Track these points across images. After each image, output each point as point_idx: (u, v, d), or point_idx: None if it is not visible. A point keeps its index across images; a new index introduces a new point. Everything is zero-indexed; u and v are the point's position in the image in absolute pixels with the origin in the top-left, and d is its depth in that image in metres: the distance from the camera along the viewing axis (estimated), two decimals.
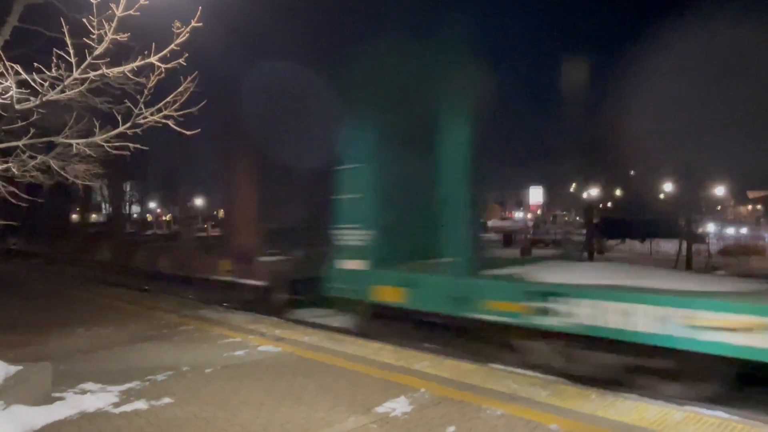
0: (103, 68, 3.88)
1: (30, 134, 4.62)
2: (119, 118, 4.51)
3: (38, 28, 6.37)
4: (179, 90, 4.23)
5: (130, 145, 4.57)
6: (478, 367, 6.50)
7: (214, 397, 5.49)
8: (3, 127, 5.24)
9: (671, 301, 5.45)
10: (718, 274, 16.28)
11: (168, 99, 4.28)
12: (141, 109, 4.30)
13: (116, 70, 3.96)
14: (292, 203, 13.28)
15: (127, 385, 5.81)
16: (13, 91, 3.98)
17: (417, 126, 8.32)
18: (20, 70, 3.91)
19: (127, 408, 5.18)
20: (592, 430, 4.54)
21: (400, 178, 8.68)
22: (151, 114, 4.33)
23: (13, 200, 5.04)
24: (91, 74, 3.92)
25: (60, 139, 4.78)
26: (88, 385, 5.78)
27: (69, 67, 3.79)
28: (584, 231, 29.20)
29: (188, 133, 4.50)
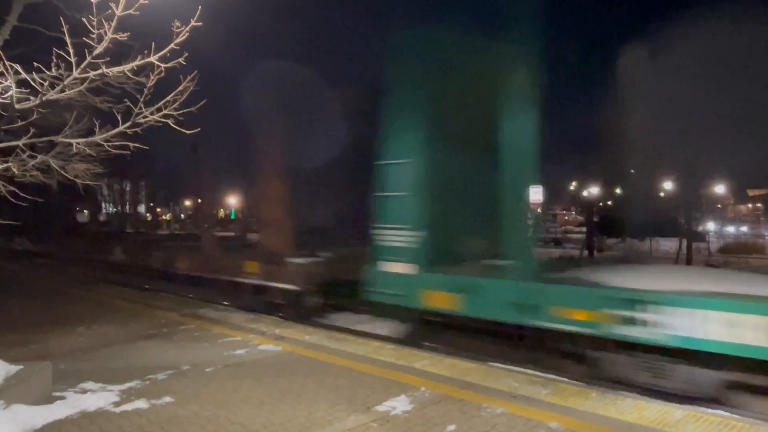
0: (103, 68, 3.88)
1: (30, 134, 4.62)
2: (119, 118, 4.52)
3: (38, 27, 6.36)
4: (179, 89, 4.23)
5: (131, 144, 4.58)
6: (479, 365, 6.52)
7: (214, 395, 5.50)
8: (3, 127, 5.24)
9: None
10: None
11: (168, 98, 4.29)
12: (141, 108, 4.30)
13: (116, 69, 3.96)
14: (324, 201, 12.27)
15: (127, 384, 5.82)
16: (13, 91, 3.99)
17: (471, 119, 7.82)
18: (20, 69, 3.91)
19: (128, 407, 5.18)
20: (593, 428, 4.55)
21: (452, 174, 8.10)
22: (151, 113, 4.33)
23: (13, 200, 5.04)
24: (91, 73, 3.93)
25: (60, 139, 4.78)
26: (89, 384, 5.78)
27: (69, 67, 3.79)
28: (584, 229, 29.20)
29: (188, 132, 4.50)
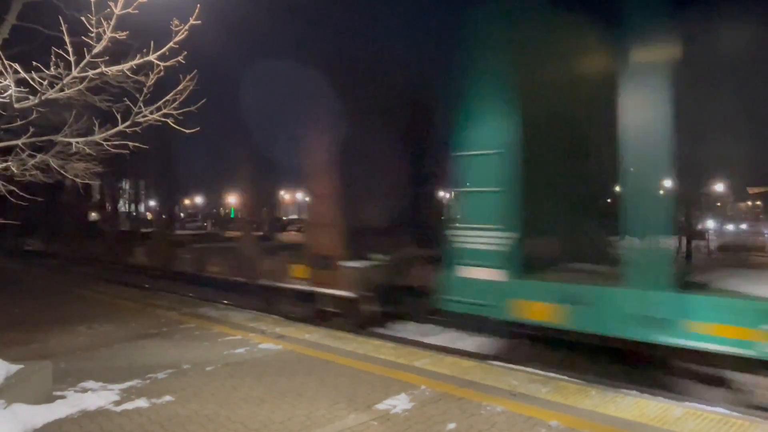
0: (102, 66, 3.88)
1: (29, 133, 4.63)
2: (118, 117, 4.52)
3: (37, 26, 6.35)
4: (178, 88, 4.23)
5: (130, 143, 4.58)
6: (478, 363, 6.51)
7: (215, 394, 5.50)
8: (2, 126, 5.23)
9: None
10: None
11: (168, 97, 4.28)
12: (140, 107, 4.30)
13: (115, 68, 3.96)
14: (381, 198, 10.93)
15: (128, 383, 5.82)
16: (12, 90, 3.98)
17: (577, 102, 6.85)
18: (19, 68, 3.91)
19: (129, 406, 5.18)
20: (593, 426, 4.55)
21: (552, 167, 7.13)
22: (151, 112, 4.33)
23: (13, 199, 5.04)
24: (90, 73, 3.93)
25: (59, 138, 4.78)
26: (89, 384, 5.78)
27: (68, 66, 3.79)
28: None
29: (187, 131, 4.50)
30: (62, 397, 5.37)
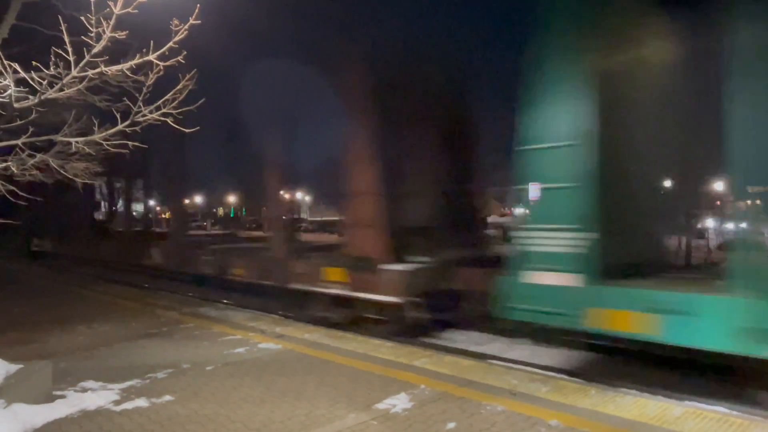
0: (102, 66, 3.88)
1: (29, 133, 4.63)
2: (118, 116, 4.52)
3: (36, 26, 6.36)
4: (178, 88, 4.23)
5: (130, 143, 4.58)
6: (478, 363, 6.51)
7: (214, 394, 5.50)
8: (2, 126, 5.23)
9: None
10: None
11: (167, 96, 4.28)
12: (140, 106, 4.30)
13: (115, 68, 3.96)
14: (422, 197, 10.20)
15: (128, 383, 5.82)
16: (12, 90, 3.98)
17: (666, 88, 6.25)
18: (18, 68, 3.91)
19: (128, 405, 5.18)
20: (593, 425, 4.55)
21: (635, 160, 6.51)
22: (150, 112, 4.33)
23: (12, 199, 5.04)
24: (90, 72, 3.93)
25: (59, 138, 4.78)
26: (89, 383, 5.79)
27: (67, 66, 3.79)
28: None
29: (187, 131, 4.50)
30: (62, 396, 5.37)
